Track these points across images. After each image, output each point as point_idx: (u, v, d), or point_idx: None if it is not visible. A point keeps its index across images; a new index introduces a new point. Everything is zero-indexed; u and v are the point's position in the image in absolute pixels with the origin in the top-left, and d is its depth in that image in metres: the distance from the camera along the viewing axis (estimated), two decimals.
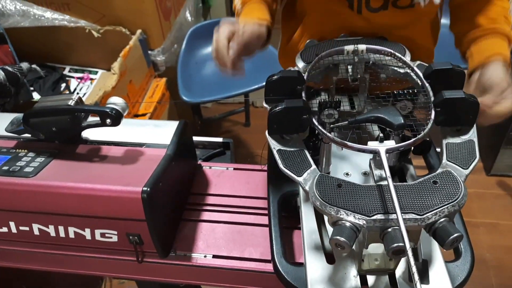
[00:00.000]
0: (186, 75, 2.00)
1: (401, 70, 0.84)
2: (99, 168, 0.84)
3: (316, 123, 0.71)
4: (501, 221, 1.97)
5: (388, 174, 0.62)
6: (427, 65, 0.80)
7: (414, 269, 0.53)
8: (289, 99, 0.73)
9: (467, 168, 0.67)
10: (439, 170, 0.66)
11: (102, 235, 0.84)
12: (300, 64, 0.87)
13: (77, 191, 0.78)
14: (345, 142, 0.68)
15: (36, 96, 1.85)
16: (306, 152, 0.72)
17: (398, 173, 0.85)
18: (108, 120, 0.83)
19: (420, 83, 0.78)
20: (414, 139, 0.68)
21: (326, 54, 0.84)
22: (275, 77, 0.77)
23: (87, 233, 0.84)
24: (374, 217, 0.60)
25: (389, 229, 0.60)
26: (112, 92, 1.64)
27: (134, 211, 0.78)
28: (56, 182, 0.79)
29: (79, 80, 1.98)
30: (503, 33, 0.89)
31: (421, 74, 0.78)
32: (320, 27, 0.99)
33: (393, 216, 0.59)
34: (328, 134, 0.69)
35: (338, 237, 0.57)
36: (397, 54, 0.82)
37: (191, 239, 0.89)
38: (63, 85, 1.96)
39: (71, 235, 0.84)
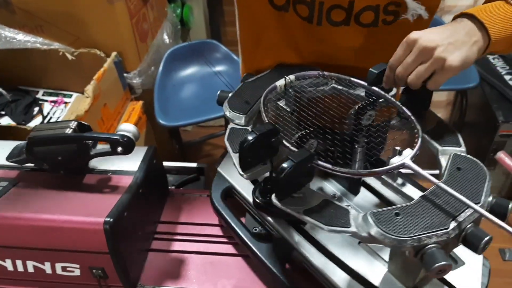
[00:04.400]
0: (163, 98, 1.96)
1: (352, 91, 0.83)
2: (60, 197, 0.79)
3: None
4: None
5: (432, 178, 0.62)
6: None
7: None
8: (255, 128, 0.68)
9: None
10: (445, 157, 0.69)
11: (64, 269, 0.78)
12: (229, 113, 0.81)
13: (34, 223, 0.73)
14: (373, 170, 0.66)
15: (7, 120, 1.79)
16: (329, 198, 0.66)
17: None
18: (119, 148, 0.78)
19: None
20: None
21: (264, 97, 0.78)
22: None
23: (47, 267, 0.78)
24: (452, 226, 0.57)
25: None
26: (85, 116, 1.59)
27: (96, 244, 0.73)
28: (11, 213, 0.74)
29: (52, 104, 1.93)
30: None
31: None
32: (278, 56, 0.96)
33: (462, 216, 0.58)
34: (328, 165, 0.65)
35: (444, 263, 0.54)
36: (325, 73, 0.80)
37: (160, 271, 0.84)
38: (36, 109, 1.90)
39: (30, 269, 0.79)
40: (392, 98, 0.77)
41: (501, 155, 1.86)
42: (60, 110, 1.91)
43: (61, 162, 0.81)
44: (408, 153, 0.66)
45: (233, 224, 0.82)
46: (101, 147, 0.82)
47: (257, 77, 0.87)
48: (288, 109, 0.79)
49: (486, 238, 0.56)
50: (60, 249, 0.76)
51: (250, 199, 0.79)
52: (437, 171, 0.69)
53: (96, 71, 1.74)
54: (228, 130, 0.76)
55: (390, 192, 0.80)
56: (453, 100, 2.47)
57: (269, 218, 0.77)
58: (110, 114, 1.81)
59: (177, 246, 0.89)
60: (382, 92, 0.77)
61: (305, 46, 0.92)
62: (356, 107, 0.73)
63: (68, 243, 0.75)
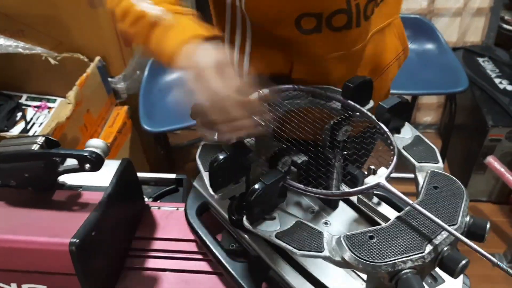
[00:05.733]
0: (149, 103, 1.92)
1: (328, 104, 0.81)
2: (27, 216, 0.76)
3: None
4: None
5: (407, 199, 0.60)
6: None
7: None
8: (226, 147, 0.65)
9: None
10: (422, 174, 0.66)
11: None
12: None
13: None
14: (347, 191, 0.63)
15: None
16: (300, 220, 0.63)
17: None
18: (87, 165, 0.75)
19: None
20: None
21: None
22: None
23: None
24: (427, 250, 0.55)
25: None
26: (66, 123, 1.56)
27: (62, 265, 0.70)
28: None
29: (36, 109, 1.89)
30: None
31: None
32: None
33: (438, 239, 0.55)
34: (299, 185, 0.63)
35: None
36: (301, 86, 0.79)
37: None
38: (19, 114, 1.87)
39: None
40: (369, 113, 0.74)
41: (491, 160, 1.85)
42: (43, 116, 1.88)
43: (28, 179, 0.78)
44: (383, 172, 0.64)
45: (208, 242, 0.79)
46: (71, 163, 0.79)
47: None
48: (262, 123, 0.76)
49: (463, 262, 0.54)
50: (26, 270, 0.73)
51: (227, 216, 0.76)
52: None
53: (80, 76, 1.71)
54: (200, 147, 0.73)
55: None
56: (444, 102, 2.45)
57: (246, 236, 0.75)
58: (93, 120, 1.77)
59: (151, 263, 0.86)
60: (358, 106, 0.75)
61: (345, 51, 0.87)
62: (332, 122, 0.71)
63: (33, 265, 0.72)
